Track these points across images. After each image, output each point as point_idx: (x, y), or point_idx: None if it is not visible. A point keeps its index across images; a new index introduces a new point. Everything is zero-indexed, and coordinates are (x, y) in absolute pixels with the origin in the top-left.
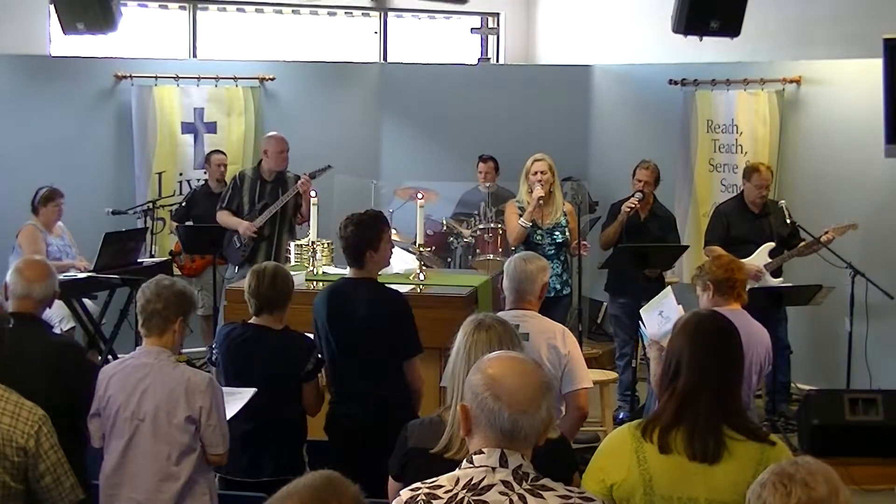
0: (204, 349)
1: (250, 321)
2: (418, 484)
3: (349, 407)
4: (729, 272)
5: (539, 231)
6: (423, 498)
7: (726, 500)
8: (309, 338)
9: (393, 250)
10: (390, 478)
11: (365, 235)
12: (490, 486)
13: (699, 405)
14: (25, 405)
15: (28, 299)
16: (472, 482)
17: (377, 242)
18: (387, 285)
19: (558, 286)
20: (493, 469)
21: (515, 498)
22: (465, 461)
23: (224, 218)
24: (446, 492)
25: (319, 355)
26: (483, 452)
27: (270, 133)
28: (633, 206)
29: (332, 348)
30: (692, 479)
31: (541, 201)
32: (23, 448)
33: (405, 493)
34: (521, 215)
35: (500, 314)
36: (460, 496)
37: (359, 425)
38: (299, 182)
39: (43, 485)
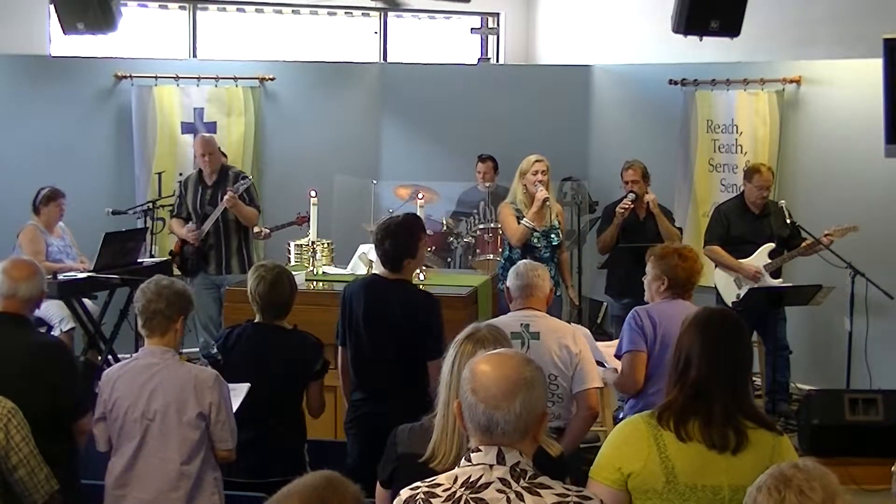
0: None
1: (257, 321)
2: (418, 483)
3: (377, 406)
4: (690, 274)
5: (536, 234)
6: (422, 496)
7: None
8: (316, 338)
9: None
10: (378, 484)
11: (404, 246)
12: (488, 484)
13: (713, 398)
14: None
15: (14, 299)
16: (470, 480)
17: (415, 250)
18: (420, 288)
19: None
20: (491, 466)
21: (513, 495)
22: (463, 459)
23: (174, 228)
24: (445, 490)
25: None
26: (480, 450)
27: (199, 135)
28: (627, 207)
29: (362, 346)
30: (714, 468)
31: (547, 202)
32: None
33: (404, 493)
34: (518, 217)
35: (508, 315)
36: (458, 494)
37: (388, 424)
38: (224, 199)
39: (17, 477)
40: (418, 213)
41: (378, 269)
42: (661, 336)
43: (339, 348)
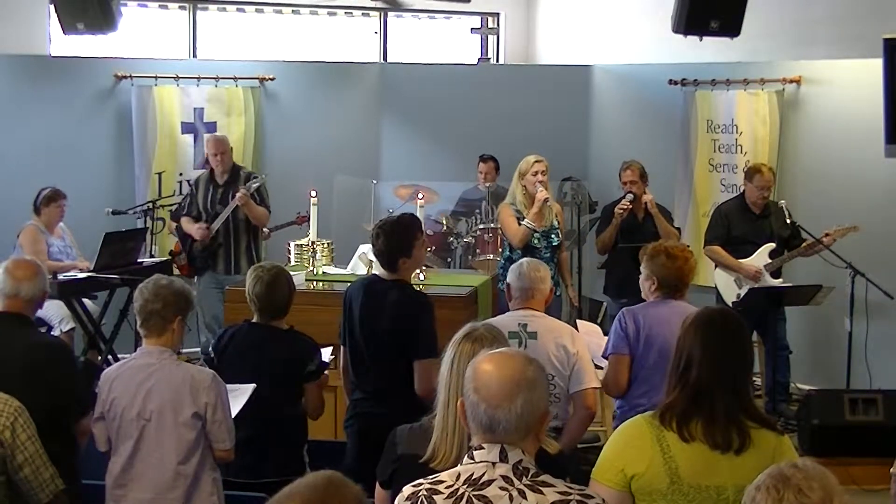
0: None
1: (254, 321)
2: (420, 479)
3: (377, 406)
4: (679, 274)
5: (536, 235)
6: (425, 493)
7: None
8: (312, 339)
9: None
10: (377, 485)
11: (397, 245)
12: (490, 482)
13: (715, 398)
14: (0, 398)
15: (16, 298)
16: (473, 477)
17: (409, 249)
18: (415, 287)
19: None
20: (494, 464)
21: (515, 493)
22: (465, 456)
23: (184, 225)
24: (447, 487)
25: (330, 355)
26: (483, 448)
27: (211, 135)
28: (626, 207)
29: (359, 347)
30: (718, 468)
31: (548, 202)
32: None
33: (407, 489)
34: (518, 217)
35: (506, 315)
36: (461, 491)
37: (387, 424)
38: (237, 197)
39: (22, 476)
40: (418, 213)
41: (377, 269)
42: (645, 338)
43: (342, 348)
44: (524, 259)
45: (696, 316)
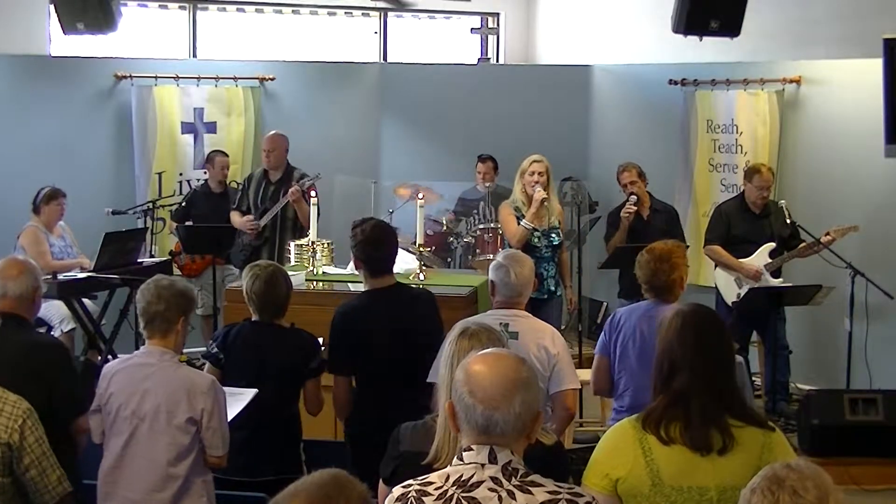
0: (204, 349)
1: (255, 319)
2: (410, 481)
3: (381, 412)
4: (653, 277)
5: (537, 234)
6: (414, 495)
7: (738, 487)
8: (313, 336)
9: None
10: (381, 481)
11: (394, 249)
12: (479, 483)
13: (692, 399)
14: (10, 399)
15: (5, 298)
16: (462, 479)
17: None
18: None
19: (553, 287)
20: (483, 465)
21: (504, 494)
22: (455, 458)
23: (233, 219)
24: (437, 488)
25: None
26: (472, 449)
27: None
28: (631, 210)
29: (384, 360)
30: (700, 470)
31: (545, 202)
32: (6, 443)
33: (397, 490)
34: (517, 217)
35: (489, 312)
36: (450, 493)
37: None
38: (289, 192)
39: (28, 478)
40: (418, 214)
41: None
42: (613, 342)
43: (336, 378)
44: (509, 259)
45: (671, 317)
